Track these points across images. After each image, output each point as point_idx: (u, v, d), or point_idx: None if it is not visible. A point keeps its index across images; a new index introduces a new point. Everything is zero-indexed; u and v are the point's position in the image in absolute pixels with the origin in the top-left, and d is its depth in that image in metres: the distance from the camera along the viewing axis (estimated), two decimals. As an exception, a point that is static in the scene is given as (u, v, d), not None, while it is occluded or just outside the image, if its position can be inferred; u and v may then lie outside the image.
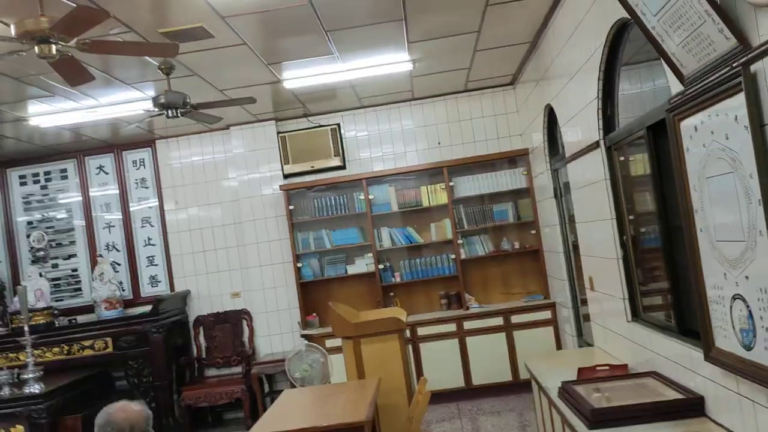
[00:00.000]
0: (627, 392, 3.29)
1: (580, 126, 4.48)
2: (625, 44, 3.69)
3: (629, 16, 2.82)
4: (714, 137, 2.43)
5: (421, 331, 6.71)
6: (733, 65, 2.20)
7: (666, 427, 2.85)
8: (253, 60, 5.17)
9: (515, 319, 6.65)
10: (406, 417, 4.20)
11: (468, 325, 6.68)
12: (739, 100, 2.18)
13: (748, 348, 2.34)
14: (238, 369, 7.11)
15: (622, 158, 3.91)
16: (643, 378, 3.48)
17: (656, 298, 3.73)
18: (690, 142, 2.64)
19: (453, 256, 6.96)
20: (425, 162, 7.17)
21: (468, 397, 6.62)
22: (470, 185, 7.05)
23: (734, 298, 2.41)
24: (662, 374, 3.38)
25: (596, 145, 4.12)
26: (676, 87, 2.77)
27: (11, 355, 6.60)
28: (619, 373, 3.75)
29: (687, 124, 2.65)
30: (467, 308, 6.82)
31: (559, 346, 6.48)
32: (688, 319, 3.20)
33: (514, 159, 7.08)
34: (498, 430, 5.63)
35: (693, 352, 2.98)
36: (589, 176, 4.38)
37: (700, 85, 2.48)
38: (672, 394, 3.09)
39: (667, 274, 3.39)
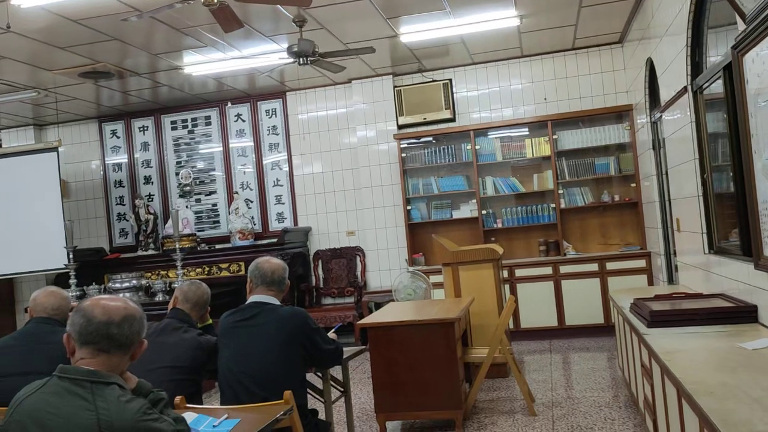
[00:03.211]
0: (689, 304, 3.68)
1: (673, 74, 4.77)
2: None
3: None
4: (765, 66, 2.78)
5: (519, 272, 7.20)
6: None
7: (718, 329, 3.23)
8: (373, 14, 5.79)
9: (610, 266, 6.99)
10: (495, 327, 4.76)
11: (564, 269, 7.09)
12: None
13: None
14: (351, 299, 7.92)
15: (705, 100, 4.22)
16: (711, 299, 3.84)
17: (728, 228, 4.05)
18: (749, 73, 2.99)
19: (553, 206, 7.36)
20: (531, 116, 7.58)
21: (560, 335, 7.06)
22: (573, 139, 7.39)
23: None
24: (729, 295, 3.74)
25: (684, 90, 4.43)
26: (741, 27, 3.11)
27: (162, 272, 7.76)
28: (691, 295, 4.11)
29: (747, 58, 3.00)
30: (564, 255, 7.22)
31: (652, 294, 6.76)
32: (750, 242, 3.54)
33: (619, 114, 7.32)
34: (585, 361, 6.07)
35: (750, 267, 3.33)
36: (679, 121, 4.69)
37: (757, 21, 2.83)
38: (729, 306, 3.45)
39: (737, 204, 3.71)
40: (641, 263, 6.91)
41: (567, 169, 7.38)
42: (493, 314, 5.45)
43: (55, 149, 7.57)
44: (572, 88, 7.57)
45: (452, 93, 7.80)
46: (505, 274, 6.96)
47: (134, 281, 7.07)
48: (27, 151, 7.79)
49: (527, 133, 7.58)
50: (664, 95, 5.20)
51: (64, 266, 6.75)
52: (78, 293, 6.38)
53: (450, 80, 7.82)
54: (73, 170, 8.73)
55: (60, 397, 1.76)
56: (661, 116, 5.51)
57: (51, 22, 5.18)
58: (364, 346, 4.03)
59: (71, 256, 6.50)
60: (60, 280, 7.63)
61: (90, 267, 7.71)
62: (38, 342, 2.98)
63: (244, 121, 8.44)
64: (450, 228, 7.71)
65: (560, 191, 7.35)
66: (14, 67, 6.24)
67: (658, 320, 3.36)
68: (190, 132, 8.58)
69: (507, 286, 6.86)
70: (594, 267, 7.02)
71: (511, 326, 6.80)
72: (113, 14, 5.08)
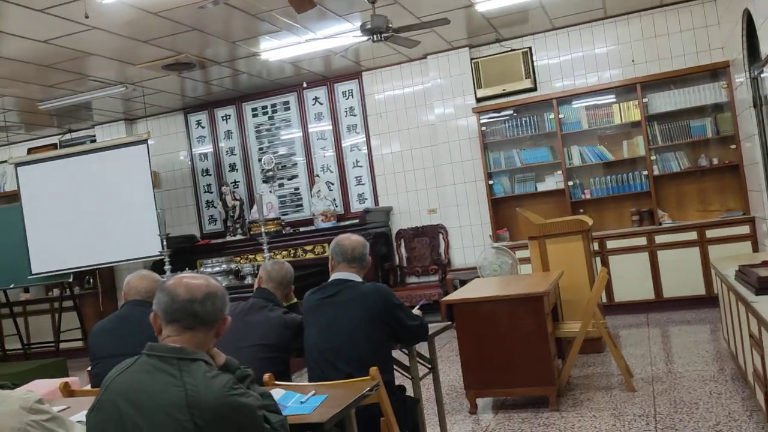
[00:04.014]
0: (803, 270, 3.39)
1: (776, 22, 4.39)
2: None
3: None
4: None
5: (611, 244, 6.90)
6: None
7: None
8: (447, -16, 5.64)
9: (710, 233, 6.58)
10: (586, 301, 4.57)
11: (659, 239, 6.74)
12: None
13: None
14: (435, 278, 7.85)
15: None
16: (827, 263, 3.53)
17: None
18: None
19: (645, 173, 6.99)
20: (617, 80, 7.21)
21: (658, 309, 6.73)
22: (665, 101, 6.98)
23: None
24: None
25: (790, 37, 4.06)
26: None
27: (250, 256, 7.94)
28: (804, 261, 3.79)
29: None
30: (660, 224, 6.86)
31: (757, 262, 6.33)
32: None
33: (714, 72, 6.85)
34: (686, 334, 5.76)
35: None
36: (784, 72, 4.31)
37: None
38: None
39: None
40: (744, 229, 6.47)
41: (659, 133, 6.99)
42: (584, 288, 5.24)
43: (144, 141, 7.86)
44: (662, 48, 7.14)
45: (532, 61, 7.53)
46: (596, 246, 6.69)
47: (224, 265, 7.28)
48: (119, 145, 8.12)
49: (614, 98, 7.22)
50: (765, 49, 4.79)
51: (158, 253, 7.02)
52: (172, 279, 6.61)
53: (529, 48, 7.54)
54: (163, 161, 9.05)
55: (148, 375, 1.79)
56: (762, 71, 5.09)
57: (132, 17, 5.33)
58: (448, 323, 3.95)
59: (165, 243, 6.74)
60: (156, 266, 7.95)
61: (183, 253, 7.99)
62: (132, 324, 3.07)
63: (321, 104, 8.47)
64: (535, 201, 7.48)
65: (653, 157, 6.97)
66: (102, 63, 6.49)
67: (767, 287, 3.11)
68: (270, 118, 8.70)
69: (598, 259, 6.59)
70: (693, 236, 6.63)
71: (604, 300, 6.55)
72: (191, 4, 5.17)
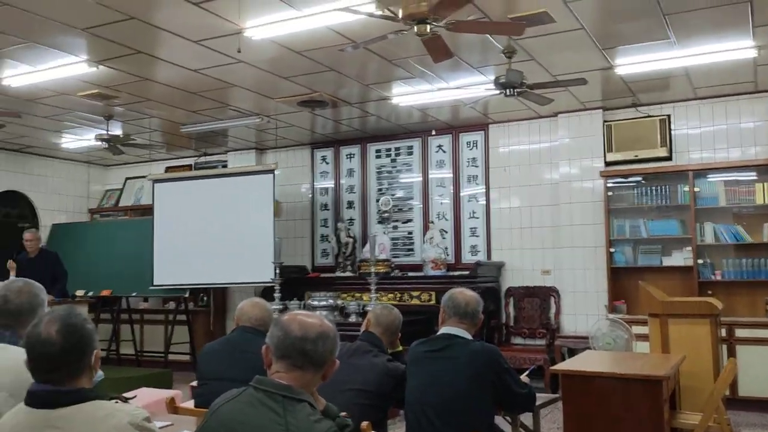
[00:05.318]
0: None
1: None
2: None
3: None
4: None
5: (740, 333, 6.35)
6: None
7: None
8: (587, 45, 5.52)
9: None
10: (709, 392, 4.19)
11: (797, 334, 6.14)
12: None
13: None
14: (542, 342, 7.53)
15: None
16: None
17: None
18: None
19: (786, 260, 6.43)
20: (763, 158, 6.73)
21: (789, 411, 6.09)
22: (816, 185, 6.43)
23: None
24: None
25: None
26: None
27: (357, 294, 7.98)
28: None
29: None
30: (798, 318, 6.26)
31: None
32: None
33: None
34: (820, 447, 5.15)
35: None
36: None
37: None
38: None
39: None
40: None
41: (807, 219, 6.43)
42: (707, 377, 4.81)
43: (271, 171, 8.19)
44: (817, 128, 6.62)
45: (670, 129, 7.19)
46: (723, 332, 6.17)
47: (331, 300, 7.35)
48: (248, 172, 8.52)
49: (756, 176, 6.73)
50: None
51: (270, 280, 7.21)
52: (280, 306, 6.77)
53: (668, 116, 7.22)
54: (286, 192, 9.37)
55: (253, 408, 1.79)
56: None
57: (277, 53, 5.60)
58: (556, 395, 3.74)
59: (278, 271, 6.93)
60: (266, 293, 8.16)
61: (293, 283, 8.17)
62: (240, 350, 3.13)
63: (444, 152, 8.50)
64: (658, 276, 7.04)
65: (798, 245, 6.40)
66: (243, 94, 6.86)
67: None
68: (393, 161, 8.82)
69: (724, 347, 6.07)
70: (838, 335, 5.99)
71: (727, 393, 5.99)
72: (332, 46, 5.36)
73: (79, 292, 8.50)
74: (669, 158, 7.17)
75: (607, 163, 7.42)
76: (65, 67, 5.86)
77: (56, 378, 1.78)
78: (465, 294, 2.96)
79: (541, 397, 3.39)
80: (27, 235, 7.69)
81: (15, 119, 7.27)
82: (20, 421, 1.78)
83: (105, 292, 8.80)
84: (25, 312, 2.28)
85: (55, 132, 8.50)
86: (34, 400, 1.77)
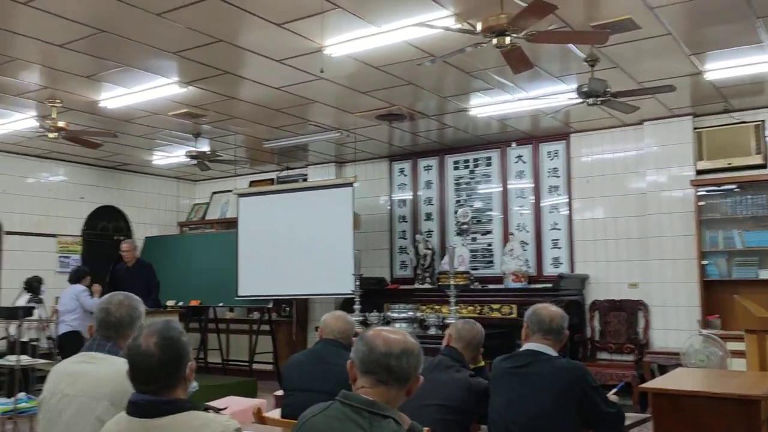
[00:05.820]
0: None
1: None
2: None
3: None
4: None
5: None
6: None
7: None
8: (674, 50, 5.33)
9: None
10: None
11: None
12: None
13: None
14: (630, 357, 7.27)
15: None
16: None
17: None
18: None
19: None
20: None
21: None
22: None
23: None
24: None
25: None
26: None
27: (436, 306, 7.95)
28: None
29: None
30: None
31: None
32: None
33: None
34: None
35: None
36: None
37: None
38: None
39: None
40: None
41: None
42: (812, 398, 4.52)
43: (350, 184, 8.30)
44: None
45: (765, 136, 6.83)
46: (829, 350, 5.77)
47: (410, 312, 7.34)
48: (328, 186, 8.68)
49: None
50: None
51: (350, 292, 7.30)
52: (360, 318, 6.84)
53: (763, 121, 6.86)
54: (364, 204, 9.47)
55: (340, 423, 1.81)
56: None
57: (356, 69, 5.70)
58: (646, 415, 3.60)
59: (357, 283, 7.00)
60: (346, 304, 8.27)
61: (372, 295, 8.23)
62: (324, 362, 3.19)
63: (524, 162, 8.37)
64: (755, 289, 6.67)
65: None
66: (323, 110, 7.00)
67: None
68: (471, 172, 8.77)
69: (830, 366, 5.68)
70: None
71: (835, 416, 5.60)
72: (410, 60, 5.40)
73: (170, 302, 8.87)
74: (765, 166, 6.81)
75: (698, 172, 7.11)
76: (158, 88, 6.18)
77: (154, 389, 1.86)
78: (549, 310, 2.91)
79: (629, 417, 3.27)
80: (124, 245, 8.10)
81: (111, 138, 7.70)
82: (122, 430, 1.87)
83: (194, 303, 9.15)
84: (125, 324, 2.40)
85: (147, 150, 8.94)
86: (135, 409, 1.87)
